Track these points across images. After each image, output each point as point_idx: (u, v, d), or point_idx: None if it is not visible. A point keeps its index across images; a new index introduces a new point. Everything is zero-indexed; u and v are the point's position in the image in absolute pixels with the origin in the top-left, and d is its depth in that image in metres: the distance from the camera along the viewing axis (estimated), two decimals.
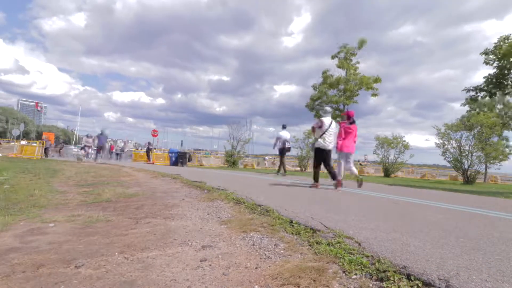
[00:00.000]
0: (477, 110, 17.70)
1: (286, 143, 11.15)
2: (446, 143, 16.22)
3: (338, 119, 20.59)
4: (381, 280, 1.60)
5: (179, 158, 19.22)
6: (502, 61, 16.67)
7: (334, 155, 6.74)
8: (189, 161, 20.59)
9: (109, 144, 24.01)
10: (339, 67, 20.80)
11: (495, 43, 18.08)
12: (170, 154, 20.36)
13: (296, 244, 2.25)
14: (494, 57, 16.99)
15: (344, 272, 1.72)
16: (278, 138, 11.27)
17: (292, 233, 2.53)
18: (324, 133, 6.28)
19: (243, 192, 4.88)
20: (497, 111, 19.15)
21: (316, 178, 6.75)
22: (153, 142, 24.32)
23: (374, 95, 21.12)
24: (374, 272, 1.66)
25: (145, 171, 10.12)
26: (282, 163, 11.39)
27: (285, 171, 11.49)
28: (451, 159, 15.96)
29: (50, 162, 14.67)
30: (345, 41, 20.94)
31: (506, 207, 4.73)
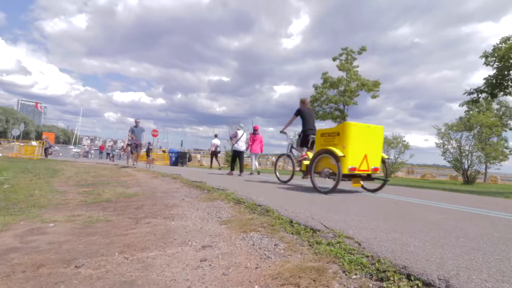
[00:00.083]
0: (476, 110, 17.72)
1: (217, 148, 15.97)
2: (446, 143, 16.25)
3: (338, 119, 20.67)
4: (381, 280, 1.60)
5: (179, 158, 19.23)
6: (502, 62, 16.71)
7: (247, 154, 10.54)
8: (189, 161, 20.60)
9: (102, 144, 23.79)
10: (340, 69, 20.91)
11: (494, 45, 18.17)
12: (170, 154, 20.38)
13: (296, 244, 2.25)
14: (494, 59, 17.03)
15: (344, 272, 1.72)
16: (212, 144, 15.78)
17: (292, 233, 2.53)
18: (238, 140, 9.78)
19: (243, 192, 4.88)
20: (495, 111, 19.16)
21: (232, 168, 9.99)
22: (153, 142, 24.34)
23: (374, 96, 21.18)
24: (374, 272, 1.66)
25: (145, 171, 10.12)
26: (217, 161, 16.05)
27: (219, 167, 15.49)
28: (451, 159, 15.98)
29: (50, 162, 14.67)
30: (344, 43, 21.37)
31: (506, 207, 4.73)
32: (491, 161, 16.01)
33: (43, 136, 24.20)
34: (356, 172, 5.07)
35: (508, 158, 17.23)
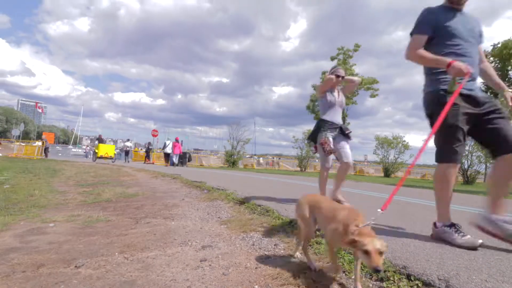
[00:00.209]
0: None
1: (129, 148, 21.81)
2: None
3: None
4: (381, 280, 1.60)
5: (179, 158, 19.21)
6: (502, 63, 16.84)
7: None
8: (189, 161, 20.59)
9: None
10: None
11: (492, 46, 18.36)
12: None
13: (296, 244, 2.25)
14: (494, 58, 17.18)
15: (344, 272, 1.72)
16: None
17: (292, 233, 2.53)
18: (165, 147, 18.41)
19: (243, 192, 4.88)
20: None
21: (166, 161, 18.63)
22: (153, 142, 24.34)
23: (373, 95, 21.23)
24: (374, 272, 1.66)
25: (145, 171, 10.13)
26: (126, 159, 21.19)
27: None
28: None
29: (50, 162, 14.67)
30: (340, 46, 21.31)
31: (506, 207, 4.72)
32: (491, 161, 16.03)
33: (43, 136, 24.18)
34: None
35: None
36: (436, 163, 2.30)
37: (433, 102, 2.25)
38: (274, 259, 2.00)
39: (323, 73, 21.68)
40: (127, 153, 21.20)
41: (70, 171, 9.96)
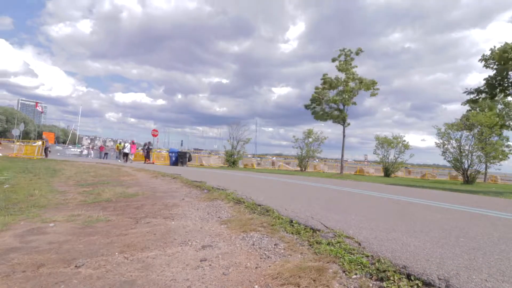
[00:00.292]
0: (478, 109, 17.75)
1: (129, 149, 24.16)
2: (446, 142, 16.22)
3: (337, 120, 20.87)
4: (381, 280, 1.60)
5: (179, 158, 19.20)
6: (501, 64, 16.93)
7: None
8: (189, 161, 20.57)
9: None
10: (339, 69, 21.06)
11: (491, 49, 18.52)
12: (170, 154, 20.36)
13: (296, 244, 2.25)
14: (494, 61, 17.23)
15: (344, 272, 1.72)
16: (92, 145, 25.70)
17: (292, 233, 2.53)
18: (124, 148, 22.06)
19: (243, 191, 4.88)
20: (498, 111, 19.21)
21: (121, 159, 21.95)
22: (153, 142, 24.32)
23: (373, 94, 21.29)
24: (374, 272, 1.66)
25: (145, 171, 10.12)
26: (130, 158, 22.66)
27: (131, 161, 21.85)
28: (451, 158, 15.96)
29: (50, 162, 14.68)
30: (338, 48, 21.42)
31: (506, 207, 4.73)
32: (491, 161, 15.99)
33: (43, 136, 24.19)
34: None
35: (508, 158, 17.22)
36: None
37: None
38: (274, 259, 2.00)
39: (324, 75, 21.73)
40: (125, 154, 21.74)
41: (70, 171, 9.96)
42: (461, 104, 14.36)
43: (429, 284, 1.48)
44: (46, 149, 20.81)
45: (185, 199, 4.56)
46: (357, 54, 21.19)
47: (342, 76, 21.14)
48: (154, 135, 24.25)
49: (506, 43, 14.66)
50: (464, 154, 15.50)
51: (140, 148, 26.87)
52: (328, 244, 2.15)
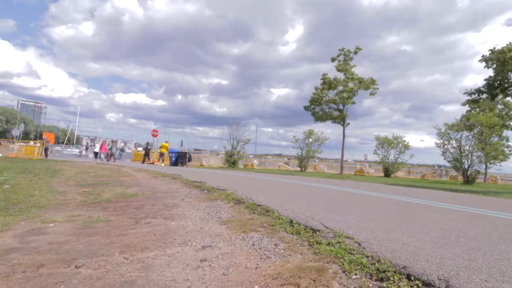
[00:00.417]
0: (478, 110, 17.76)
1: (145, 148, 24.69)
2: (446, 143, 16.21)
3: (337, 120, 20.92)
4: (381, 280, 1.60)
5: (179, 158, 19.19)
6: (501, 65, 17.04)
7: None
8: (189, 161, 20.55)
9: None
10: (338, 69, 21.08)
11: (490, 50, 18.61)
12: (170, 154, 20.33)
13: (296, 244, 2.25)
14: (494, 62, 17.29)
15: (344, 272, 1.72)
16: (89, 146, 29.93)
17: (292, 233, 2.53)
18: (95, 148, 25.03)
19: (243, 192, 4.88)
20: (498, 111, 19.25)
21: (107, 158, 22.34)
22: (153, 142, 24.33)
23: (373, 94, 21.32)
24: (374, 272, 1.66)
25: (145, 171, 10.12)
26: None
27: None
28: (451, 159, 15.95)
29: (50, 162, 14.67)
30: (336, 50, 21.48)
31: (506, 207, 4.73)
32: (491, 161, 15.99)
33: (43, 136, 24.20)
34: None
35: (509, 158, 17.21)
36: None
37: None
38: (274, 259, 2.00)
39: (324, 75, 21.74)
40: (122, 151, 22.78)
41: (70, 171, 9.96)
42: (461, 105, 14.40)
43: (429, 284, 1.48)
44: (46, 150, 20.81)
45: (185, 200, 4.56)
46: (355, 53, 21.22)
47: (341, 76, 21.18)
48: (154, 136, 24.25)
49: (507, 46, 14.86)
50: (464, 154, 15.50)
51: (141, 148, 27.76)
52: (328, 244, 2.15)
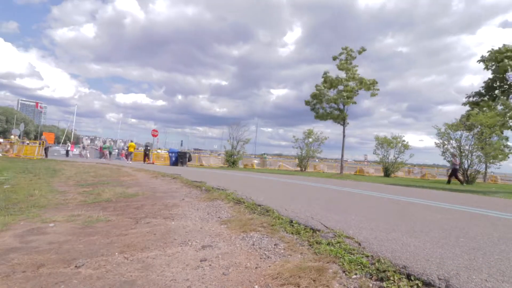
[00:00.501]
0: (477, 110, 17.77)
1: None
2: (446, 142, 16.21)
3: (337, 120, 20.89)
4: (381, 280, 1.60)
5: (179, 158, 19.20)
6: (499, 65, 17.06)
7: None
8: (189, 161, 20.57)
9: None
10: (340, 68, 21.05)
11: (489, 51, 18.65)
12: (170, 154, 20.34)
13: (296, 244, 2.25)
14: (493, 63, 17.32)
15: (344, 272, 1.72)
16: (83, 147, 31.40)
17: (292, 233, 2.53)
18: (66, 146, 30.71)
19: (243, 192, 4.88)
20: (497, 111, 19.28)
21: (104, 157, 26.11)
22: (152, 142, 24.34)
23: (374, 95, 21.31)
24: (374, 272, 1.66)
25: (145, 171, 10.12)
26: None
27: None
28: (451, 158, 15.95)
29: (50, 162, 14.67)
30: (334, 51, 21.56)
31: (506, 207, 4.73)
32: (491, 161, 15.99)
33: (42, 136, 24.21)
34: None
35: (509, 158, 17.20)
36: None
37: None
38: (274, 259, 2.00)
39: (325, 73, 21.72)
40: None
41: (70, 171, 9.95)
42: (462, 104, 14.41)
43: (429, 284, 1.48)
44: (46, 149, 20.81)
45: (185, 199, 4.56)
46: (359, 53, 21.19)
47: (342, 75, 21.14)
48: (154, 135, 24.25)
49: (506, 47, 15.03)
50: (464, 154, 15.49)
51: (141, 148, 28.71)
52: (328, 244, 2.15)
